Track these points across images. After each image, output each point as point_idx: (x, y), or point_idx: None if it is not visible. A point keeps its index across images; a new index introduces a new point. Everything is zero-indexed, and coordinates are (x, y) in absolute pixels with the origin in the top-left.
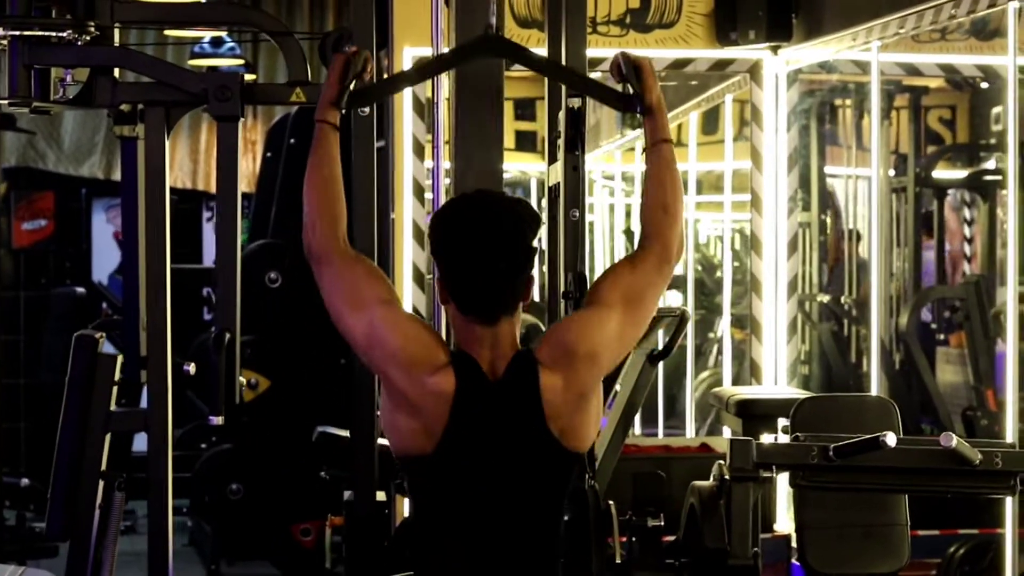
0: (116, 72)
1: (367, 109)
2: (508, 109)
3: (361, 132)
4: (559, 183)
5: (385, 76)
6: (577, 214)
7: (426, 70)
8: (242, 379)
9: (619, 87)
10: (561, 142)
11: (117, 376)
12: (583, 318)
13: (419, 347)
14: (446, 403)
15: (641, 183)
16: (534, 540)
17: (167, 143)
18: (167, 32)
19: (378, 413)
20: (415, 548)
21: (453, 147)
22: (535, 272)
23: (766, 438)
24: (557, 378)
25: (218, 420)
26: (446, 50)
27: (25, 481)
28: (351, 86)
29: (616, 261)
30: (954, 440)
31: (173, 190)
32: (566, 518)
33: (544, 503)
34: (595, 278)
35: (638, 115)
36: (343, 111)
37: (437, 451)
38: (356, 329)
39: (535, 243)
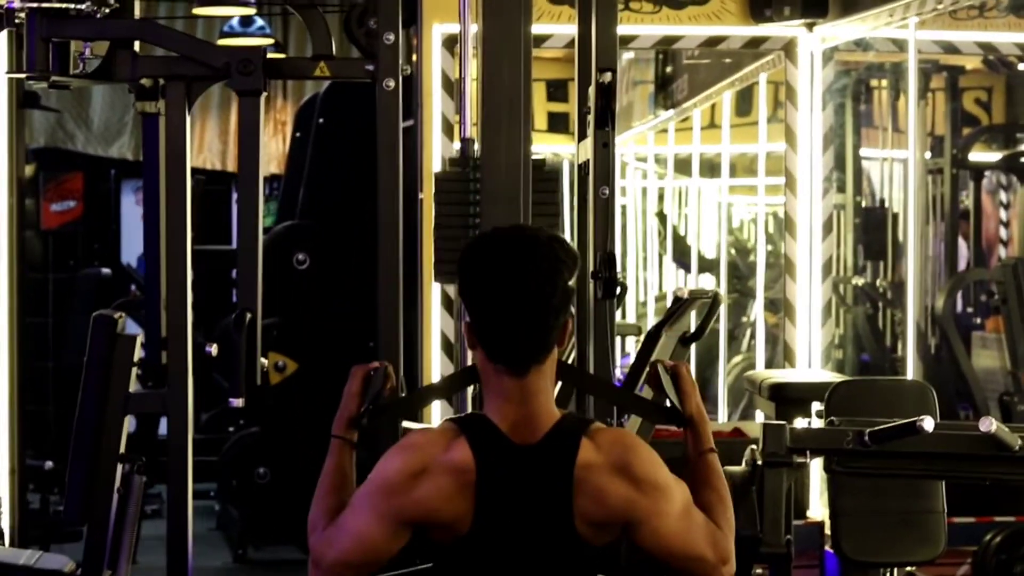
0: (137, 46)
1: (391, 82)
2: (540, 90)
3: (386, 109)
4: (589, 160)
5: (406, 80)
6: (607, 192)
7: (451, 385)
8: (264, 361)
9: (656, 395)
10: (591, 118)
11: (137, 357)
12: (658, 459)
13: (417, 442)
14: (468, 476)
15: (695, 492)
16: None
17: (188, 119)
18: (195, 11)
19: None
20: None
21: (480, 129)
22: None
23: (800, 422)
24: (599, 458)
25: (238, 402)
26: (472, 56)
27: (49, 464)
28: (372, 403)
29: None
30: (993, 425)
31: (202, 171)
32: None
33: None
34: (627, 266)
35: (679, 427)
36: (364, 428)
37: (472, 530)
38: (371, 525)
39: (572, 283)
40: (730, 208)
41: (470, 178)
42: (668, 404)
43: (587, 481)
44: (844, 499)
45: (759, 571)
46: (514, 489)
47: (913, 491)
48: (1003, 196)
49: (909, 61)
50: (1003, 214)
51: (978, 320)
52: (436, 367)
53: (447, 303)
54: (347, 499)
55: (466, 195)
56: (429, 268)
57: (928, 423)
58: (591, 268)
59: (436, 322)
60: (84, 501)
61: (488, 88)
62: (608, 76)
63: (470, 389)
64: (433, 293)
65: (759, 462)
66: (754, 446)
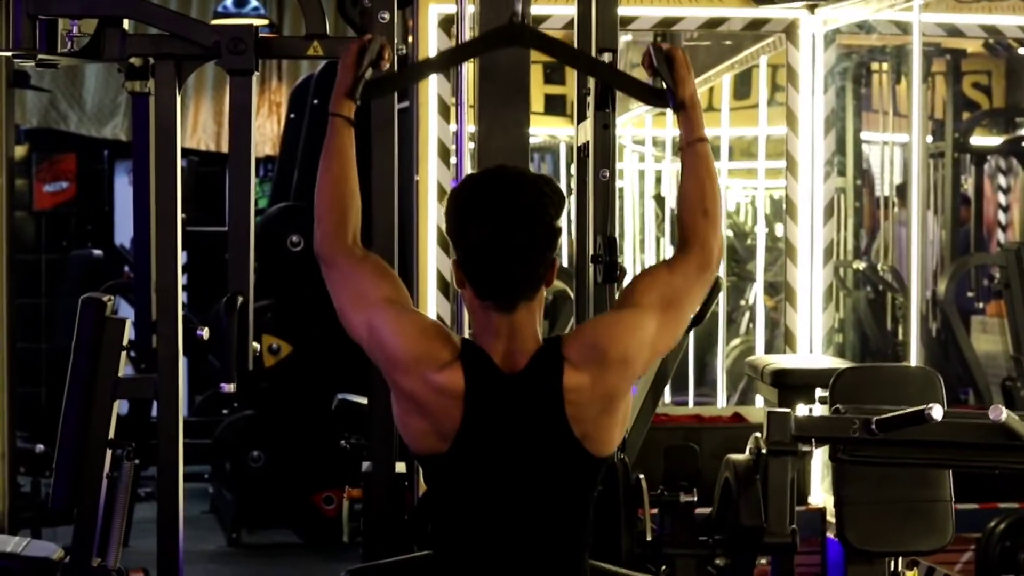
0: (126, 24)
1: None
2: (537, 72)
3: None
4: (588, 142)
5: (401, 60)
6: (607, 174)
7: (447, 59)
8: (256, 345)
9: (651, 80)
10: (591, 99)
11: (126, 341)
12: (618, 319)
13: (422, 346)
14: (456, 401)
15: (677, 184)
16: (556, 540)
17: (178, 99)
18: None
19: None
20: (434, 533)
21: (477, 110)
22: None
23: (803, 409)
24: (584, 378)
25: (230, 388)
26: (469, 36)
27: (40, 447)
28: (367, 75)
29: (654, 264)
30: (1004, 414)
31: (197, 153)
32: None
33: (566, 506)
34: (624, 249)
35: (672, 110)
36: (359, 103)
37: (451, 451)
38: (359, 329)
39: (559, 223)
40: (727, 191)
41: None
42: (662, 87)
43: (579, 402)
44: (849, 488)
45: (762, 560)
46: (502, 406)
47: (920, 480)
48: (1002, 180)
49: (914, 44)
50: (1002, 198)
51: (980, 304)
52: None
53: (443, 287)
54: (346, 184)
55: None
56: (424, 252)
57: (937, 411)
58: (591, 252)
59: (431, 311)
60: (72, 487)
61: (485, 70)
62: (609, 56)
63: (467, 326)
64: (429, 280)
65: (763, 451)
66: (758, 434)
